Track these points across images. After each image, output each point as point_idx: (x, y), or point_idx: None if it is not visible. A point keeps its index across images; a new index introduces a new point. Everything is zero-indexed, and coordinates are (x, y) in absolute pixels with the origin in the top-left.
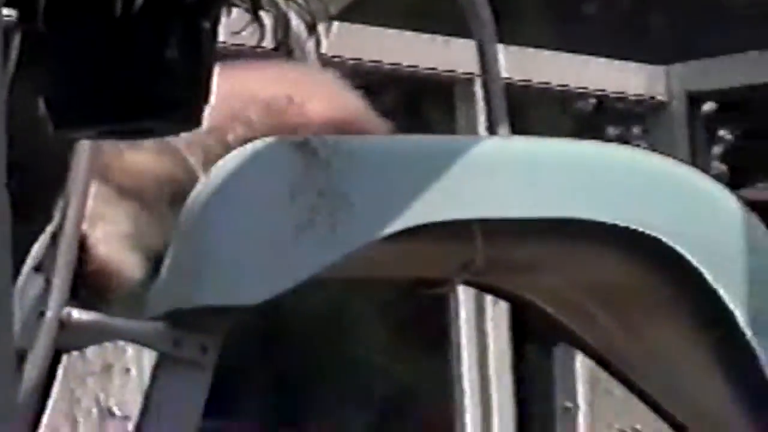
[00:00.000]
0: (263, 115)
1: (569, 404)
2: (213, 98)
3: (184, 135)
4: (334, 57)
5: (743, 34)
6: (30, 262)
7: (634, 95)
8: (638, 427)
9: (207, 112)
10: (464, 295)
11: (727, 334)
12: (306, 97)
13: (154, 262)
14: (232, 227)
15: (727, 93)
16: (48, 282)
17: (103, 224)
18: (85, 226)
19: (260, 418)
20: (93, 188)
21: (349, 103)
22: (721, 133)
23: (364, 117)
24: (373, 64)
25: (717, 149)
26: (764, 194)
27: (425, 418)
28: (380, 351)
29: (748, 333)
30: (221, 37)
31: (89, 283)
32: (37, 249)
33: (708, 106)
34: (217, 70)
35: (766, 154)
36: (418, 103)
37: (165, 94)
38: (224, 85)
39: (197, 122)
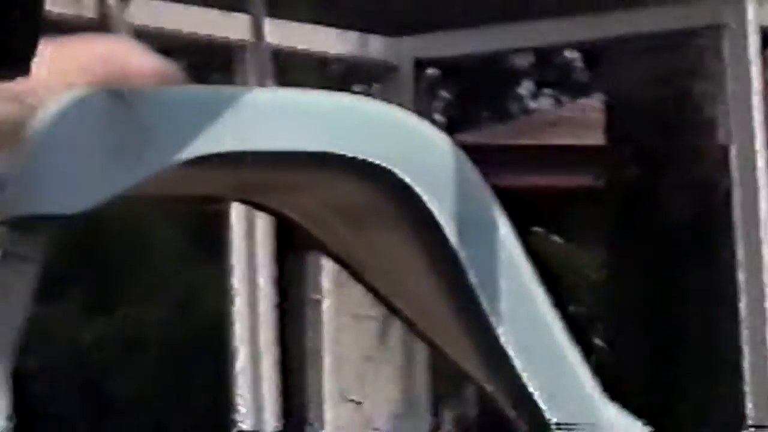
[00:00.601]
0: (99, 65)
1: (317, 296)
2: (62, 53)
3: (30, 83)
4: (139, 26)
5: (463, 12)
6: None
7: (374, 60)
8: (370, 314)
9: (59, 63)
10: (237, 210)
11: (438, 243)
12: (129, 53)
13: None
14: (56, 153)
15: (447, 61)
16: None
17: None
18: None
19: (78, 305)
20: None
21: (158, 59)
22: (442, 92)
23: (169, 69)
24: (168, 32)
25: (437, 104)
26: (472, 138)
27: (207, 311)
28: (173, 255)
29: (454, 241)
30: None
31: None
32: None
33: (431, 71)
34: (65, 37)
35: (473, 109)
36: (202, 67)
37: (3, 47)
38: (70, 43)
39: (27, 71)
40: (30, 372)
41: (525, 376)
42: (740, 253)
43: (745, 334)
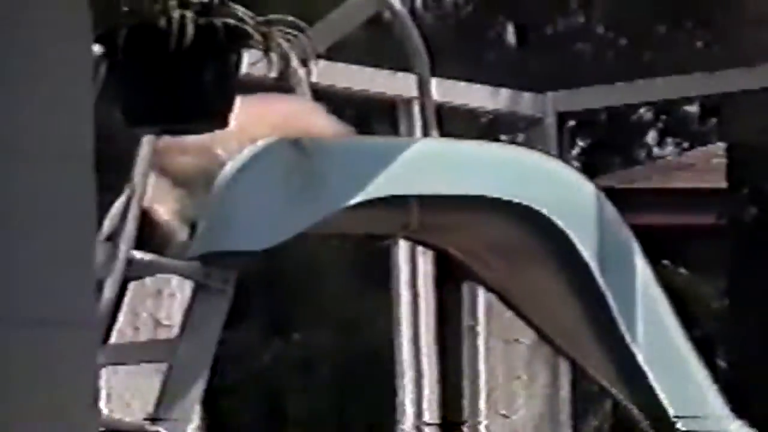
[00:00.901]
0: (282, 122)
1: (473, 323)
2: (249, 110)
3: (219, 136)
4: (318, 84)
5: (598, 71)
6: (108, 222)
7: (522, 113)
8: (519, 338)
9: (245, 119)
10: (403, 246)
11: (583, 275)
12: (311, 114)
13: (194, 227)
14: (245, 197)
15: (584, 114)
16: (117, 239)
17: (162, 205)
18: (149, 205)
19: (259, 330)
20: (155, 180)
21: (335, 120)
22: (578, 141)
23: (338, 127)
24: (341, 89)
25: (575, 152)
26: (607, 182)
27: (374, 337)
28: (343, 286)
29: (597, 274)
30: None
31: (152, 243)
32: (112, 212)
33: (571, 123)
34: (252, 95)
35: (607, 157)
36: (371, 119)
37: (204, 104)
38: (256, 101)
39: (225, 124)
40: (220, 388)
41: (657, 388)
42: None
43: None
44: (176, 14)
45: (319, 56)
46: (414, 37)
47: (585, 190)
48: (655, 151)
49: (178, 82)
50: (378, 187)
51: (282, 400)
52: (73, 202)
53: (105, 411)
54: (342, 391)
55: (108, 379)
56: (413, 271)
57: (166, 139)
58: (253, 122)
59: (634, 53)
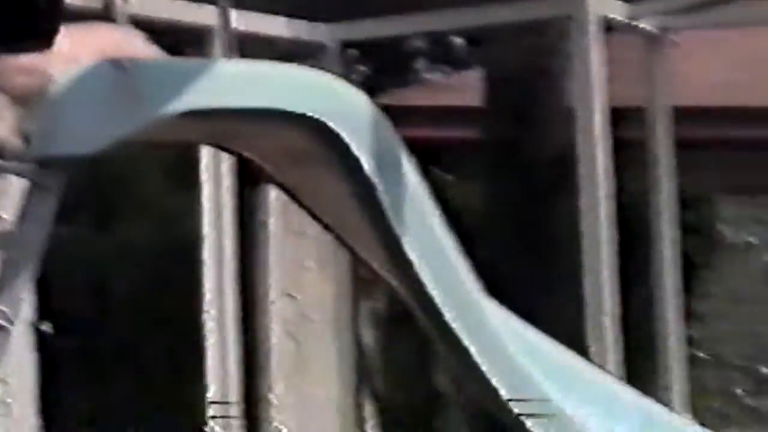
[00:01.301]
0: (108, 48)
1: (266, 218)
2: (78, 38)
3: (53, 59)
4: (133, 14)
5: (377, 5)
6: None
7: (310, 41)
8: (307, 231)
9: (75, 45)
10: (207, 152)
11: (360, 176)
12: (135, 42)
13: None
14: (73, 109)
15: (365, 43)
16: None
17: (1, 120)
18: None
19: (85, 225)
20: None
21: (149, 46)
22: (360, 66)
23: (156, 53)
24: (155, 19)
25: (356, 76)
26: (383, 101)
27: (183, 229)
28: (158, 188)
29: (371, 174)
30: None
31: None
32: None
33: (352, 51)
34: (80, 24)
35: (383, 80)
36: (180, 47)
37: (33, 25)
38: (84, 29)
39: (50, 44)
40: (50, 275)
41: (422, 275)
42: (582, 185)
43: (585, 244)
44: None
45: None
46: None
47: (363, 105)
48: (425, 75)
49: (10, 6)
50: (186, 101)
51: (105, 285)
52: None
53: None
54: (159, 274)
55: None
56: (216, 173)
57: (5, 60)
58: (82, 48)
59: None
